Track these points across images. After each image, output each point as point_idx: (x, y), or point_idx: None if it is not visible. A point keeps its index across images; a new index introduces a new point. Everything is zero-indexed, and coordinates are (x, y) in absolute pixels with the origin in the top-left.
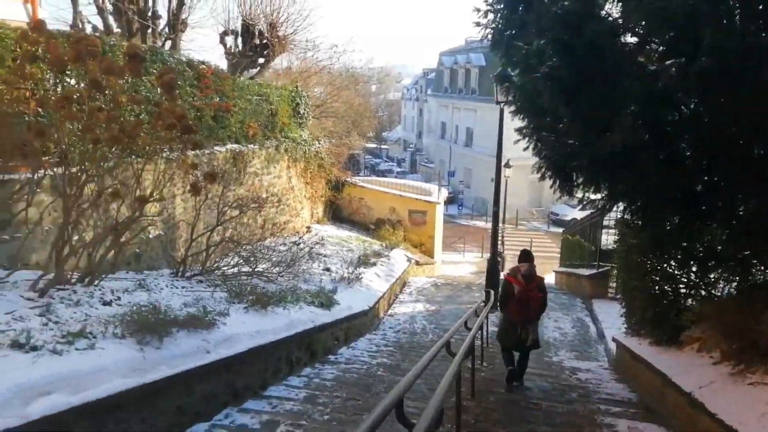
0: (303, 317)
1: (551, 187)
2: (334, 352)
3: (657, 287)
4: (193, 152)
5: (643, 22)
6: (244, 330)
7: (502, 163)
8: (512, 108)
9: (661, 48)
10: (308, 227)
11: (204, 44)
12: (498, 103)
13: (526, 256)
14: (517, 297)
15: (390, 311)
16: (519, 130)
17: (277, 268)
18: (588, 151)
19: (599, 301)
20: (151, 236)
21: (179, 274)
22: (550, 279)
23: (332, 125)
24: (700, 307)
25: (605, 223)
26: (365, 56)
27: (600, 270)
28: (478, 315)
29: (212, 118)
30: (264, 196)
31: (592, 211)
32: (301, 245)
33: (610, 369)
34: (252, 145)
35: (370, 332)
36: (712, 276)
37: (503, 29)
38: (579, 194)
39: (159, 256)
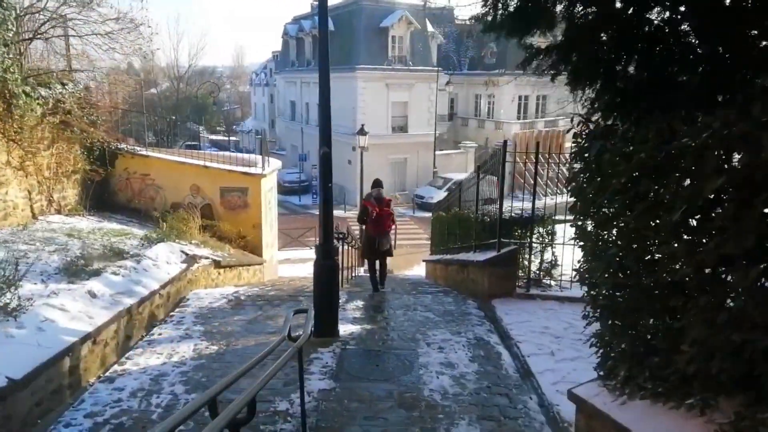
0: None
1: None
2: None
3: None
4: None
5: None
6: None
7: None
8: None
9: None
10: (29, 218)
11: None
12: None
13: (376, 183)
14: (371, 215)
15: (117, 367)
16: None
17: None
18: None
19: (506, 303)
20: None
21: None
22: (420, 271)
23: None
24: None
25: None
26: None
27: (503, 251)
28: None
29: None
30: None
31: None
32: None
33: None
34: None
35: None
36: None
37: None
38: None
39: None
